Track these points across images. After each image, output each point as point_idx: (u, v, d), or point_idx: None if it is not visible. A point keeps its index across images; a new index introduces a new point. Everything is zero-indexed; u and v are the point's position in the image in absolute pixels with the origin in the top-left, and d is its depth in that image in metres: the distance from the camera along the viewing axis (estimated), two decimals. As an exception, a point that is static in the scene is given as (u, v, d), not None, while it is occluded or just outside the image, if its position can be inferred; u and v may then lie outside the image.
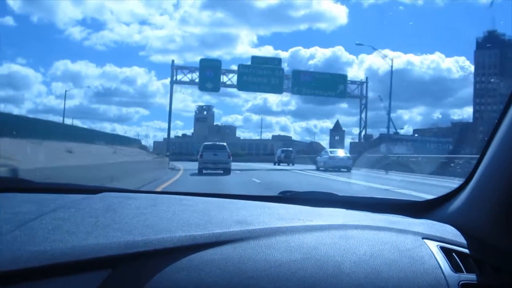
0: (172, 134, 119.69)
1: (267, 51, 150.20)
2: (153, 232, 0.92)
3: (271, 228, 0.97)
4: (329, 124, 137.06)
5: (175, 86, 37.34)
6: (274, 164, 37.25)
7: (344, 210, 1.23)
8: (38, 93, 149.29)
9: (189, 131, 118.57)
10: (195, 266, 0.83)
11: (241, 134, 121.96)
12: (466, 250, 0.99)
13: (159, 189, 10.83)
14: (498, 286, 0.93)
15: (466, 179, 1.16)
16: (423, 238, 1.00)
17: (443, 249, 0.97)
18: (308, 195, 1.44)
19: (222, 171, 20.26)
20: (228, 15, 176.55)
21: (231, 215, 1.06)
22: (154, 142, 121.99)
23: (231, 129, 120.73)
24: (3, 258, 0.79)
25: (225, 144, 23.16)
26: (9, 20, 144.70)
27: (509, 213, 0.99)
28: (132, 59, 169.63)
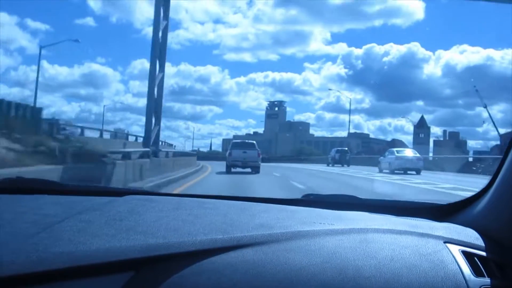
0: (244, 132, 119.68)
1: (341, 48, 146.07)
2: (175, 235, 0.93)
3: (292, 232, 0.98)
4: (403, 122, 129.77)
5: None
6: (327, 165, 34.24)
7: (366, 213, 1.21)
8: (116, 91, 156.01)
9: (261, 129, 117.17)
10: (216, 269, 0.85)
11: (314, 132, 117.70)
12: (488, 254, 0.98)
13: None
14: None
15: (488, 182, 1.14)
16: (444, 242, 0.99)
17: (464, 253, 0.96)
18: (331, 198, 1.44)
19: (250, 170, 20.01)
20: (301, 12, 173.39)
21: (253, 219, 1.07)
22: (223, 140, 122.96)
23: (304, 125, 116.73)
24: (29, 260, 0.81)
25: (254, 142, 22.83)
26: (89, 21, 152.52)
27: None
28: (206, 58, 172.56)
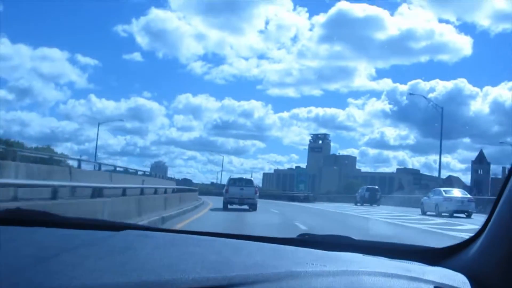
0: (286, 167, 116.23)
1: (386, 84, 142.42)
2: (168, 273, 0.95)
3: (284, 272, 0.99)
4: (449, 159, 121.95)
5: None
6: (355, 205, 31.10)
7: (359, 255, 1.22)
8: (162, 125, 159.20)
9: (304, 164, 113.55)
10: None
11: (360, 167, 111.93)
12: None
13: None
14: None
15: (481, 226, 1.13)
16: (435, 287, 0.98)
17: None
18: (325, 239, 1.42)
19: (248, 207, 19.85)
20: (346, 48, 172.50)
21: (247, 258, 1.09)
22: (264, 174, 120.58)
23: (350, 160, 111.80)
24: None
25: (252, 178, 23.22)
26: (137, 56, 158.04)
27: None
28: (250, 93, 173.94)
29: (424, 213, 21.53)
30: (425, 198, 22.98)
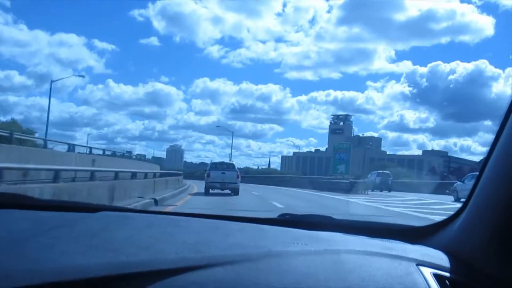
0: (305, 150, 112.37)
1: (405, 66, 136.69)
2: (146, 253, 0.94)
3: (265, 252, 0.98)
4: (470, 142, 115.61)
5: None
6: (365, 193, 27.38)
7: (341, 234, 1.21)
8: (179, 109, 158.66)
9: (323, 148, 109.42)
10: None
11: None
12: (460, 278, 0.97)
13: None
14: None
15: (462, 205, 1.12)
16: (417, 265, 0.98)
17: (436, 276, 0.95)
18: (306, 218, 1.41)
19: (230, 192, 19.50)
20: (365, 30, 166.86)
21: (226, 238, 1.08)
22: (282, 157, 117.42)
23: (375, 141, 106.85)
24: None
25: (233, 162, 22.24)
26: (154, 41, 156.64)
27: (502, 240, 0.95)
28: (268, 76, 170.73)
29: (458, 200, 19.43)
30: (458, 183, 21.04)
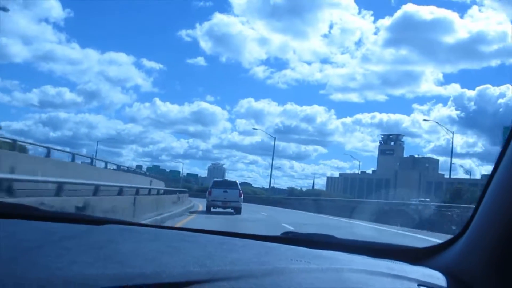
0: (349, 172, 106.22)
1: (453, 89, 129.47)
2: (152, 266, 0.95)
3: (268, 268, 0.99)
4: None
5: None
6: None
7: (343, 253, 1.21)
8: (224, 129, 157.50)
9: (369, 170, 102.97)
10: None
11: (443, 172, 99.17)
12: None
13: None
14: None
15: (463, 227, 1.13)
16: (418, 285, 0.98)
17: None
18: (309, 237, 1.42)
19: (232, 210, 19.23)
20: (412, 52, 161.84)
21: (230, 253, 1.08)
22: (327, 178, 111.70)
23: (432, 163, 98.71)
24: (4, 286, 0.82)
25: (236, 181, 21.86)
26: (200, 60, 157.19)
27: (503, 263, 0.96)
28: (312, 97, 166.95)
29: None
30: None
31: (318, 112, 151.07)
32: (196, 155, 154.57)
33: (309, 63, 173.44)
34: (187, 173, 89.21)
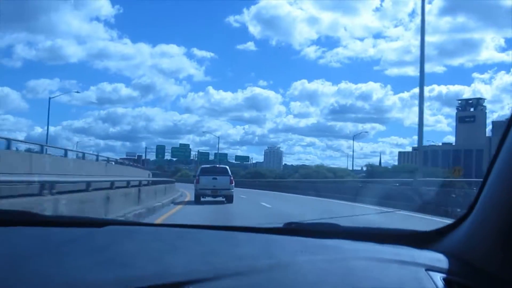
0: (409, 150, 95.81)
1: None
2: (154, 266, 0.93)
3: (274, 262, 0.98)
4: None
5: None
6: None
7: (348, 241, 1.20)
8: (279, 113, 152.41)
9: (438, 143, 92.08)
10: None
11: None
12: (469, 282, 0.97)
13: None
14: None
15: (468, 208, 1.11)
16: (426, 270, 0.98)
17: (445, 281, 0.95)
18: (313, 227, 1.41)
19: (223, 199, 17.81)
20: (470, 19, 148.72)
21: (234, 249, 1.07)
22: (399, 153, 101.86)
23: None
24: None
25: (226, 167, 20.16)
26: (250, 46, 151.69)
27: (509, 243, 0.95)
28: (367, 74, 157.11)
29: None
30: None
31: (374, 88, 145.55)
32: (252, 141, 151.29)
33: (361, 39, 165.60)
34: (236, 156, 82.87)
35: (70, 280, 0.85)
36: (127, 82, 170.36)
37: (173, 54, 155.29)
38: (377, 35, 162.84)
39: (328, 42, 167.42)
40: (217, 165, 21.22)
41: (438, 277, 0.95)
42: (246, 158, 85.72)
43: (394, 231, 1.35)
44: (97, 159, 20.98)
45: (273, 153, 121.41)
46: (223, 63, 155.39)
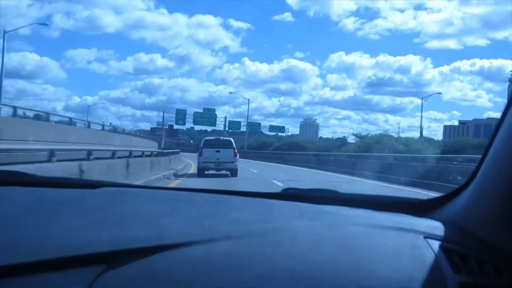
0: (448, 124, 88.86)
1: None
2: (149, 228, 0.92)
3: (270, 226, 0.97)
4: None
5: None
6: None
7: (346, 208, 1.19)
8: (315, 85, 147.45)
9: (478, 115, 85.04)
10: (190, 262, 0.83)
11: None
12: (468, 251, 0.96)
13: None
14: (498, 287, 0.90)
15: (469, 177, 1.10)
16: (424, 238, 0.97)
17: (444, 249, 0.94)
18: (311, 192, 1.39)
19: (227, 172, 17.58)
20: None
21: (229, 212, 1.06)
22: (444, 127, 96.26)
23: None
24: None
25: (231, 139, 19.82)
26: (287, 16, 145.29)
27: (509, 212, 0.95)
28: (406, 47, 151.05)
29: None
30: None
31: (413, 62, 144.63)
32: (288, 113, 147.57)
33: (401, 11, 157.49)
34: (270, 126, 76.58)
35: (64, 239, 0.85)
36: (163, 53, 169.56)
37: (209, 24, 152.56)
38: (419, 7, 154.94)
39: (367, 13, 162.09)
40: (221, 137, 20.27)
41: (437, 245, 0.94)
42: (282, 129, 78.36)
43: (393, 199, 1.35)
44: (102, 128, 21.02)
45: (309, 125, 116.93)
46: (260, 34, 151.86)
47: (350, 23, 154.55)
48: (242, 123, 68.55)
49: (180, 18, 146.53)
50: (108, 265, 0.80)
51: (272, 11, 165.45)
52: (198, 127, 76.82)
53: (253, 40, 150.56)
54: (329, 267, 0.84)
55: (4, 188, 1.23)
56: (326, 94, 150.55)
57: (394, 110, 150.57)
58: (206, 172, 17.51)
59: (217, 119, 66.23)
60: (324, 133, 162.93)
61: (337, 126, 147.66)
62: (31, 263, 0.78)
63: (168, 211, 1.03)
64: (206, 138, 20.28)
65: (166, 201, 1.15)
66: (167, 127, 72.11)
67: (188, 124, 70.75)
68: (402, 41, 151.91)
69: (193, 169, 20.42)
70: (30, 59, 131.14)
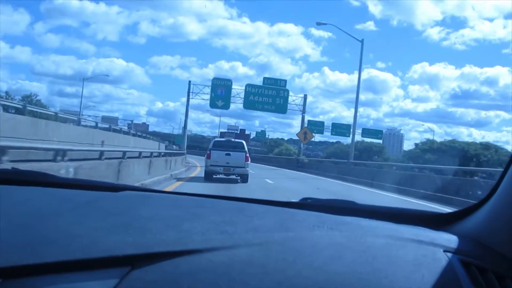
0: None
1: None
2: (172, 233, 0.95)
3: (291, 235, 0.99)
4: None
5: None
6: None
7: (365, 219, 1.19)
8: (396, 96, 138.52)
9: None
10: (212, 268, 0.84)
11: None
12: (487, 265, 0.96)
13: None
14: None
15: (489, 192, 1.11)
16: (444, 251, 0.98)
17: (463, 263, 0.95)
18: (329, 203, 1.40)
19: (237, 177, 16.25)
20: None
21: (251, 219, 1.08)
22: None
23: None
24: (22, 252, 0.82)
25: (243, 141, 17.97)
26: (370, 25, 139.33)
27: None
28: (494, 58, 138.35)
29: None
30: None
31: (501, 73, 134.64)
32: (366, 124, 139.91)
33: (490, 20, 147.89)
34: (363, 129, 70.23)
35: (88, 240, 0.86)
36: (244, 61, 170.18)
37: (290, 33, 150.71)
38: (509, 15, 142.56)
39: (453, 22, 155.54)
40: (233, 139, 18.65)
41: (456, 259, 0.95)
42: (379, 133, 68.96)
43: (412, 212, 1.33)
44: (110, 129, 20.97)
45: (393, 136, 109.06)
46: (341, 44, 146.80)
47: (435, 33, 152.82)
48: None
49: (262, 27, 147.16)
50: (132, 268, 0.82)
51: (354, 19, 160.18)
52: (270, 134, 73.89)
53: (334, 49, 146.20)
54: (350, 277, 0.85)
55: (28, 188, 1.25)
56: (407, 105, 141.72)
57: (479, 124, 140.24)
58: (214, 176, 16.11)
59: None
60: (405, 145, 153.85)
61: (418, 139, 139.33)
62: (56, 263, 0.80)
63: (190, 216, 1.06)
64: (216, 139, 19.28)
65: (187, 207, 1.17)
66: (237, 131, 70.95)
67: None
68: (490, 52, 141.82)
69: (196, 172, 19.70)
70: (117, 64, 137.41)
